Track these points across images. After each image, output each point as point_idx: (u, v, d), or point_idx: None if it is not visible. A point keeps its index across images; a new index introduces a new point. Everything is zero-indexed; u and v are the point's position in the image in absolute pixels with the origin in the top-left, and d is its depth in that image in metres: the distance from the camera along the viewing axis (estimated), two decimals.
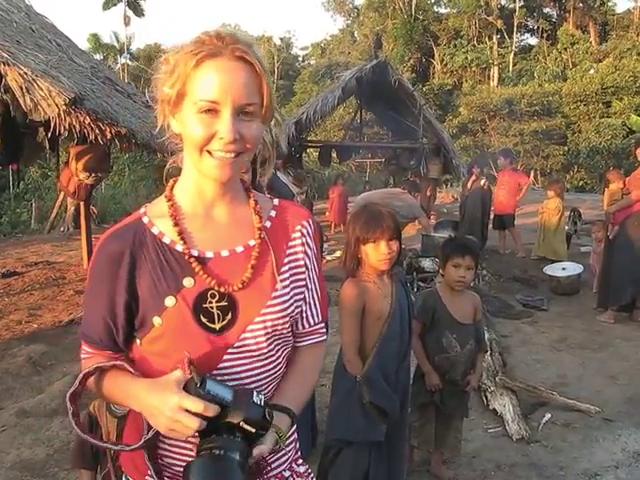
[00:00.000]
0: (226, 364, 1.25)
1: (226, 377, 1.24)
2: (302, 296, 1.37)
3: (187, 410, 1.09)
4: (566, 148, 27.29)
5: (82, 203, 6.56)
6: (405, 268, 7.22)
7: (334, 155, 15.68)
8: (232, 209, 1.32)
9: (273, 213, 1.38)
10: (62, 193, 12.58)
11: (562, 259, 8.73)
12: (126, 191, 17.41)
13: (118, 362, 1.25)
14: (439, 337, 3.10)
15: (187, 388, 1.13)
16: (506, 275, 8.43)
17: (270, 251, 1.31)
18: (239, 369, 1.26)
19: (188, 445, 1.23)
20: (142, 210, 1.31)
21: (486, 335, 4.44)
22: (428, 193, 13.24)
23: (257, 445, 1.15)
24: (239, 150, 1.20)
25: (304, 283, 1.37)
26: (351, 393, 2.65)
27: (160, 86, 1.24)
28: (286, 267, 1.33)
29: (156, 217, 1.28)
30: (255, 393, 1.17)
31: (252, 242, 1.31)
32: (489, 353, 4.68)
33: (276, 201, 1.42)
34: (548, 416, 4.15)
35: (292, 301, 1.32)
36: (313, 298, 1.40)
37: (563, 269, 7.94)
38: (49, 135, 5.58)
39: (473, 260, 3.08)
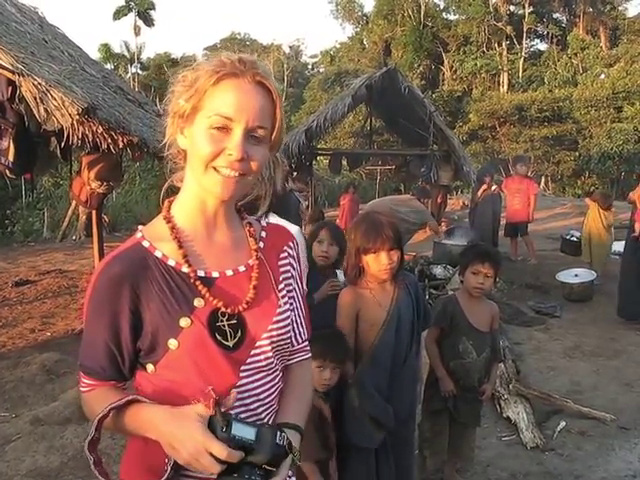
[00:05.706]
0: (243, 381, 1.26)
1: (246, 394, 1.25)
2: (293, 313, 1.39)
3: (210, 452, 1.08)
4: (577, 154, 27.13)
5: (94, 212, 6.57)
6: (417, 275, 7.21)
7: (344, 163, 15.70)
8: (230, 230, 1.34)
9: (263, 234, 1.40)
10: (74, 202, 12.64)
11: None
12: (137, 199, 17.44)
13: (131, 397, 1.19)
14: (456, 343, 3.10)
15: (212, 428, 1.10)
16: (518, 282, 8.39)
17: (268, 271, 1.34)
18: (254, 385, 1.28)
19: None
20: (139, 235, 1.28)
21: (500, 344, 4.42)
22: (439, 200, 13.22)
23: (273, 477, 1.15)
24: (244, 170, 1.21)
25: (292, 301, 1.40)
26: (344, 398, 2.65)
27: (175, 99, 1.24)
28: (282, 285, 1.37)
29: (156, 240, 1.27)
30: (278, 433, 1.14)
31: (251, 262, 1.33)
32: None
33: (264, 222, 1.44)
34: (563, 424, 4.13)
35: (291, 317, 1.36)
36: (299, 316, 1.43)
37: (575, 275, 7.89)
38: (62, 144, 5.61)
39: (493, 268, 3.06)
